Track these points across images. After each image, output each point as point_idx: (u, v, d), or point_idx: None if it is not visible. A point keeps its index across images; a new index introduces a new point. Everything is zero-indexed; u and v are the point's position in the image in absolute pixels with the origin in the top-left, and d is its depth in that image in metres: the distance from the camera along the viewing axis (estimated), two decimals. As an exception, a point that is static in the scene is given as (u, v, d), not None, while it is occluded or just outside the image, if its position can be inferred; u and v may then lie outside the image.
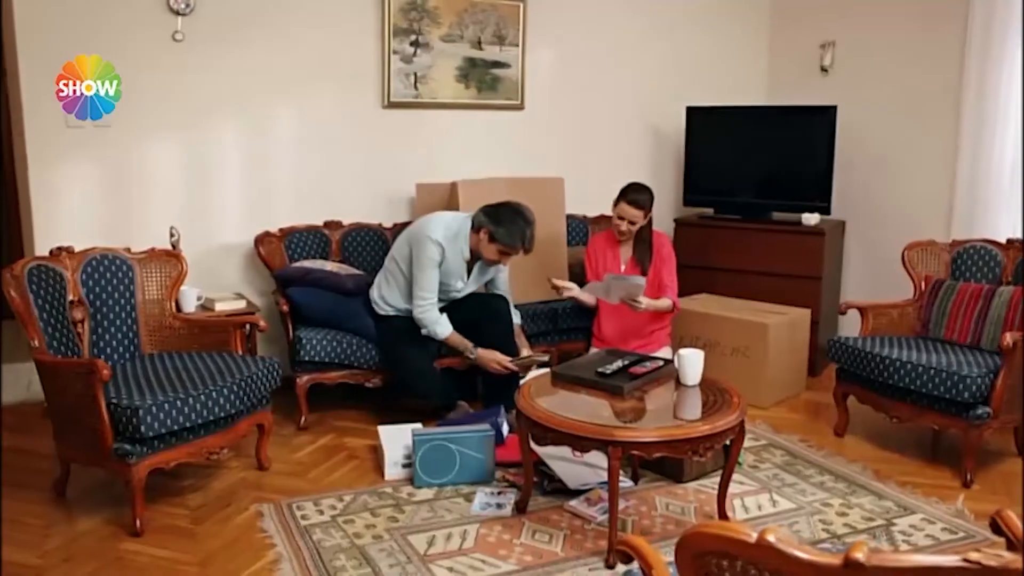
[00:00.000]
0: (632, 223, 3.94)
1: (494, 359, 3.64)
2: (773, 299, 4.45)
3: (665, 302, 3.94)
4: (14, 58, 3.76)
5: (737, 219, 4.84)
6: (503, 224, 3.60)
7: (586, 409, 2.81)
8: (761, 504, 3.10)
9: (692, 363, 2.96)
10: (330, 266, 4.03)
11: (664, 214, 5.19)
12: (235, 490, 3.21)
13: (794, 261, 4.57)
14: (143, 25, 3.92)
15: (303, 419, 3.81)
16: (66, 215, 3.90)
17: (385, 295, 3.84)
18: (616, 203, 3.97)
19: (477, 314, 3.80)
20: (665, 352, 3.95)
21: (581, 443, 2.62)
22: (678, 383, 3.02)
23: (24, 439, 3.56)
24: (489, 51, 4.62)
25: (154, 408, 2.76)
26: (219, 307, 3.83)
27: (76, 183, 3.92)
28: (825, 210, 4.62)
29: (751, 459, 3.49)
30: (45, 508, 3.05)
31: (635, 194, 3.94)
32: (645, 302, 3.82)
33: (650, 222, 4.03)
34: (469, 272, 3.82)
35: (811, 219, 4.59)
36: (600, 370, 3.04)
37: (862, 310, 3.82)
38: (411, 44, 4.42)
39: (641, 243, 4.03)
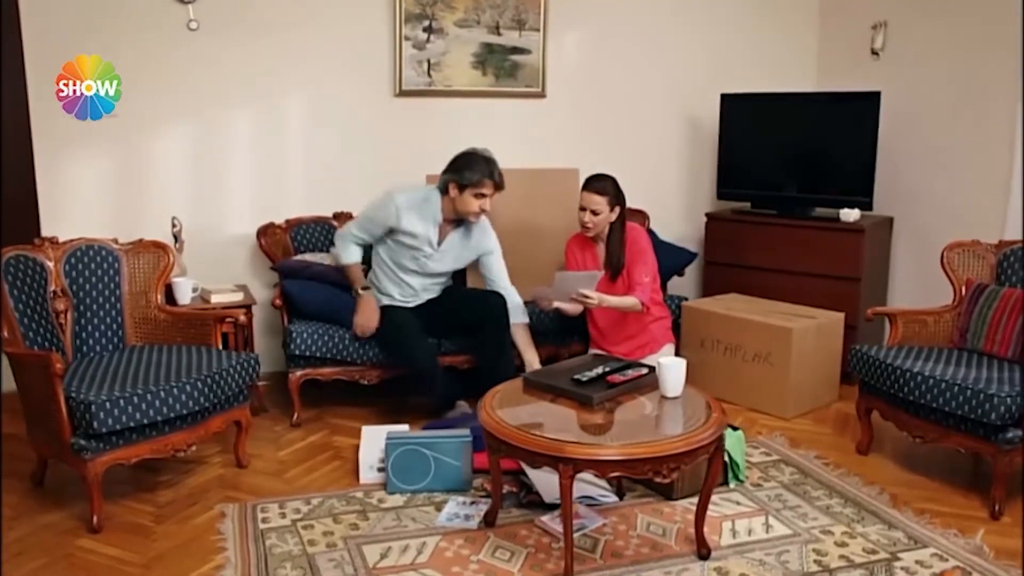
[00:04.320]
0: (595, 213, 3.61)
1: (367, 313, 3.60)
2: (808, 301, 4.13)
3: (629, 300, 3.58)
4: (20, 46, 3.78)
5: (771, 214, 4.50)
6: (463, 169, 3.53)
7: (546, 420, 2.59)
8: (753, 528, 2.82)
9: (673, 373, 2.70)
10: (331, 259, 3.93)
11: (696, 208, 4.90)
12: (207, 488, 3.14)
13: (831, 260, 4.21)
14: (153, 15, 3.91)
15: (296, 415, 3.73)
16: (73, 205, 3.92)
17: (379, 284, 3.76)
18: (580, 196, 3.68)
19: (475, 315, 3.66)
20: (668, 350, 3.70)
21: (533, 458, 2.42)
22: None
23: (19, 426, 3.57)
24: (508, 36, 4.42)
25: (108, 404, 2.70)
26: (215, 299, 3.78)
27: (83, 173, 3.94)
28: (867, 205, 4.23)
29: (756, 476, 3.22)
30: (19, 498, 3.05)
31: (597, 182, 3.65)
32: (596, 296, 3.49)
33: (622, 220, 3.69)
34: (441, 241, 3.68)
35: (850, 215, 4.22)
36: (576, 377, 2.83)
37: (891, 317, 3.46)
38: (424, 30, 4.27)
39: (612, 243, 3.70)
